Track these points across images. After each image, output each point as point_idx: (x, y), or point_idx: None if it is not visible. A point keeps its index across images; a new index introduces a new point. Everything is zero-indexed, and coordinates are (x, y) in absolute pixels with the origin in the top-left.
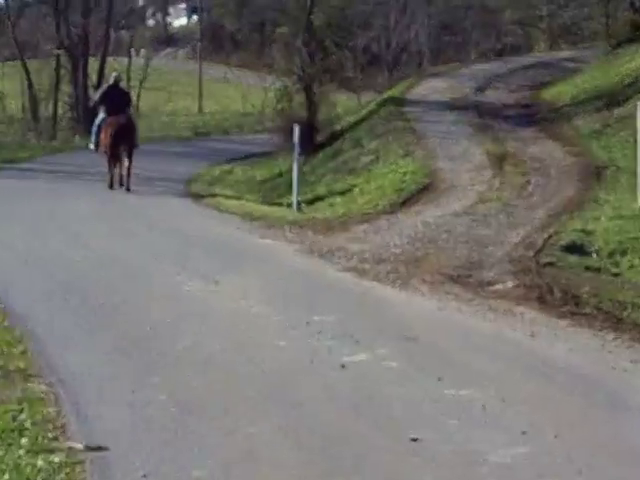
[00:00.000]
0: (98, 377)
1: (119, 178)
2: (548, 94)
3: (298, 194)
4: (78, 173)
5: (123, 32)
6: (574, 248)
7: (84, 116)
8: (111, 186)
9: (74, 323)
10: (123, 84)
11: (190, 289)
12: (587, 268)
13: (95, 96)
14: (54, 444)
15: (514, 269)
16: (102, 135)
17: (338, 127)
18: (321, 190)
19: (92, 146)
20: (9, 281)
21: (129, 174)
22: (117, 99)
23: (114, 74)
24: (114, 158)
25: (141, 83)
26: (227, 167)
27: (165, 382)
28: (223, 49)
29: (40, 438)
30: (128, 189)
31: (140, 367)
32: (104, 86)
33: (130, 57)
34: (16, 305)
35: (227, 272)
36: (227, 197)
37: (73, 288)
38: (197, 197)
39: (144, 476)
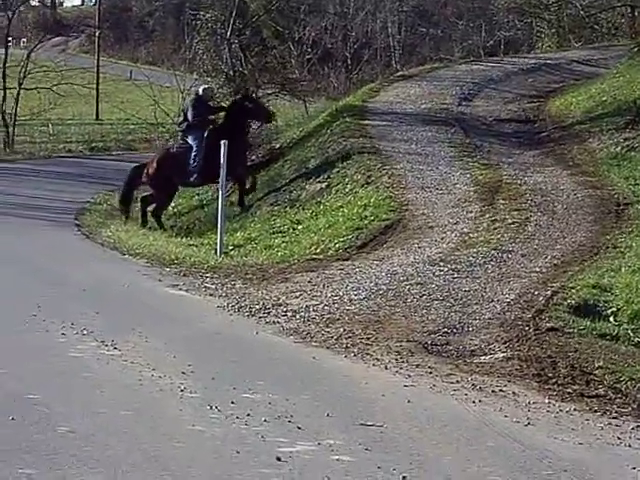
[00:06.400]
0: None
1: None
2: (555, 107)
3: (224, 232)
4: None
5: None
6: (585, 309)
7: None
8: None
9: None
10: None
11: (78, 354)
12: (602, 336)
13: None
14: None
15: (506, 336)
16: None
17: (278, 144)
18: (254, 227)
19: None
20: None
21: None
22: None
23: (203, 86)
24: None
25: (21, 82)
26: None
27: (41, 477)
28: (128, 40)
29: None
30: None
31: (8, 458)
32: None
33: (7, 48)
34: None
35: (127, 333)
36: (130, 234)
37: None
38: (91, 233)
39: None
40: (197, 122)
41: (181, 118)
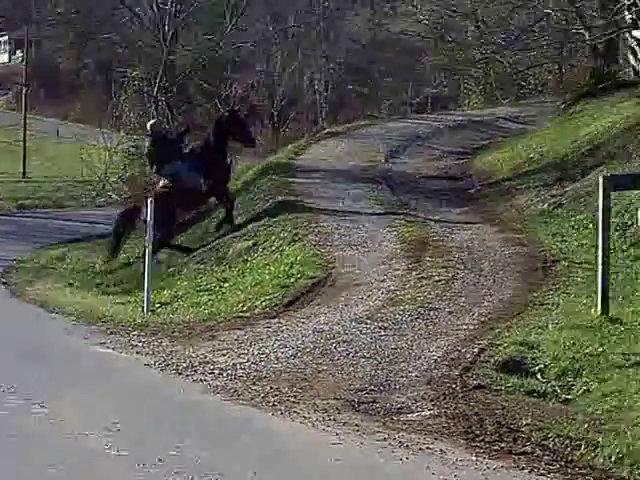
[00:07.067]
0: None
1: None
2: (482, 163)
3: (150, 290)
4: None
5: None
6: (512, 366)
7: None
8: None
9: None
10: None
11: (4, 412)
12: (529, 393)
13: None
14: None
15: (433, 393)
16: None
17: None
18: (181, 285)
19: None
20: None
21: None
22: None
23: (151, 122)
24: None
25: None
26: (58, 252)
27: None
28: (57, 97)
29: None
30: None
31: None
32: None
33: None
34: None
35: (55, 391)
36: (58, 291)
37: None
38: (17, 291)
39: None
40: (166, 154)
41: (147, 162)
